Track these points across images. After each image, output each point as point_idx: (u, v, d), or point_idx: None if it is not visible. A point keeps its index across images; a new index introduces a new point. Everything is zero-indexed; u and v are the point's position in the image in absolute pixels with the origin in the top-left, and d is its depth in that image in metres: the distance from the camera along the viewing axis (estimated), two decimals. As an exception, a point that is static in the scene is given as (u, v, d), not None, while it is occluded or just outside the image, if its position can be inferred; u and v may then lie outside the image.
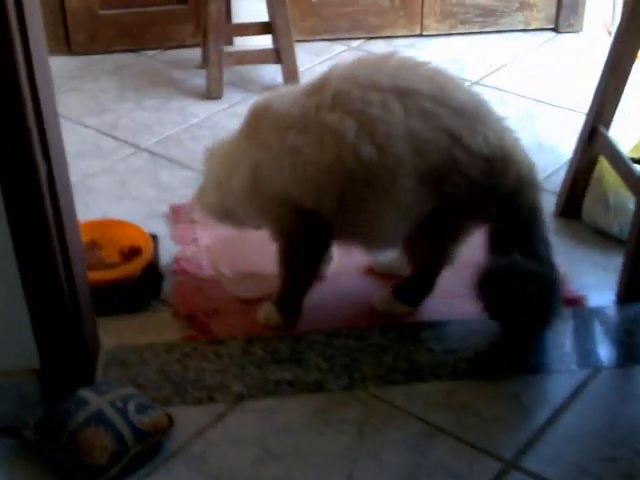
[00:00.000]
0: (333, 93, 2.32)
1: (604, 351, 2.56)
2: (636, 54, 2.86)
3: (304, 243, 2.49)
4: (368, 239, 2.51)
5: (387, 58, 2.44)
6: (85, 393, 2.18)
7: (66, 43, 4.27)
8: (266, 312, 2.59)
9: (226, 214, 2.61)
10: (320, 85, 2.37)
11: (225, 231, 2.84)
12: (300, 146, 2.33)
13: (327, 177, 2.33)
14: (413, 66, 2.42)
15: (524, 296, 2.35)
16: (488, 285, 2.39)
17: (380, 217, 2.38)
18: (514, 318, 2.42)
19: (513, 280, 2.37)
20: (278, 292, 2.58)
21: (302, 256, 2.53)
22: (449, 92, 2.36)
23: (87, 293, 2.36)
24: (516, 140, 2.46)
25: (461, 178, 2.34)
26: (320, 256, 2.54)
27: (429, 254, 2.55)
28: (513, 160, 2.39)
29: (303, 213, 2.40)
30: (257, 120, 2.44)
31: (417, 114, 2.30)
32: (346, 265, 2.79)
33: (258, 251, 2.77)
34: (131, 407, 2.15)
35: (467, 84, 3.87)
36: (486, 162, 2.35)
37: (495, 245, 2.46)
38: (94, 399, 2.16)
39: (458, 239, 2.51)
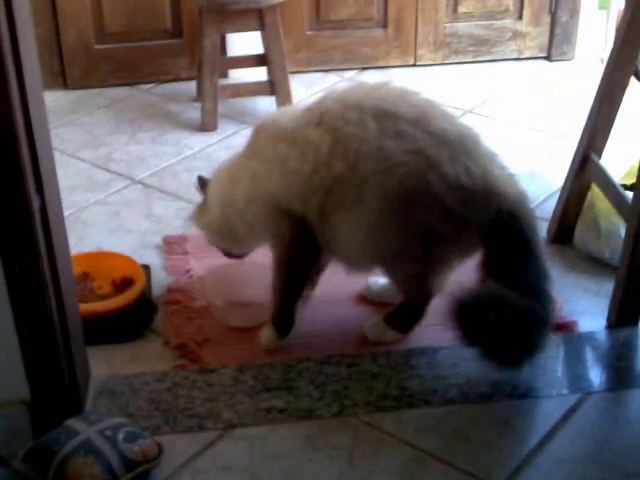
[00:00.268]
0: (322, 111, 2.44)
1: (595, 375, 2.57)
2: (628, 82, 2.87)
3: (296, 249, 2.54)
4: (341, 255, 2.54)
5: (382, 85, 2.52)
6: (74, 423, 2.18)
7: (62, 78, 4.30)
8: (266, 336, 2.61)
9: (226, 231, 2.67)
10: (316, 104, 2.49)
11: (217, 262, 2.87)
12: (288, 156, 2.45)
13: (307, 186, 2.43)
14: (402, 93, 2.47)
15: (489, 325, 2.32)
16: (456, 314, 2.36)
17: (349, 233, 2.42)
18: (483, 347, 2.39)
19: (479, 309, 2.33)
20: (273, 309, 2.60)
21: (295, 262, 2.57)
22: (433, 120, 2.39)
23: (78, 325, 2.37)
24: (508, 176, 2.46)
25: (434, 204, 2.36)
26: (311, 263, 2.60)
27: (414, 283, 2.56)
28: (496, 193, 2.39)
29: (294, 219, 2.47)
30: (258, 134, 2.57)
31: (392, 135, 2.36)
32: (338, 293, 2.81)
33: (249, 282, 2.80)
34: (120, 436, 2.15)
35: (461, 113, 3.94)
36: (465, 192, 2.36)
37: (485, 276, 2.46)
38: (83, 428, 2.16)
39: (441, 269, 2.51)
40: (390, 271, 2.58)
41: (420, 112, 2.39)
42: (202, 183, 2.76)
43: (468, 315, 2.35)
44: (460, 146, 2.38)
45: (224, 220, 2.64)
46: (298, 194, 2.44)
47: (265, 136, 2.53)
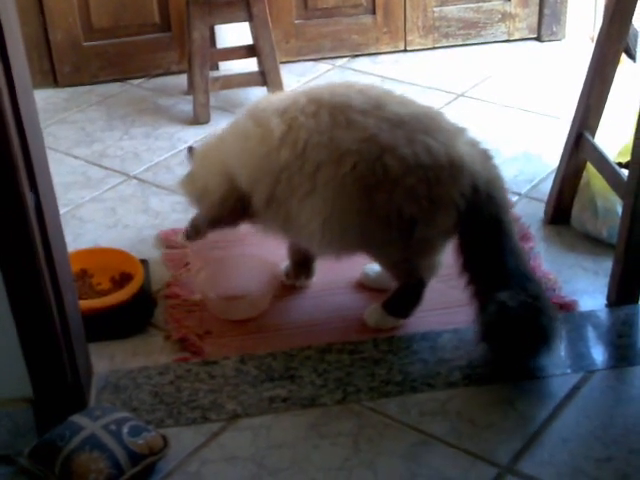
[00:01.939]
0: (291, 102, 2.52)
1: (597, 354, 2.57)
2: (618, 59, 2.87)
3: (218, 222, 2.74)
4: (308, 243, 2.58)
5: (347, 82, 2.70)
6: (79, 418, 2.18)
7: (52, 76, 4.27)
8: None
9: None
10: (294, 95, 2.59)
11: (213, 256, 2.90)
12: (251, 135, 2.55)
13: (259, 168, 2.53)
14: (362, 88, 2.55)
15: (530, 332, 2.39)
16: (491, 338, 2.43)
17: (309, 222, 2.47)
18: (529, 349, 2.45)
19: (513, 324, 2.38)
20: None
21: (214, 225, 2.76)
22: (386, 106, 2.45)
23: (78, 322, 2.37)
24: (479, 151, 2.49)
25: (395, 187, 2.39)
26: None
27: (402, 269, 2.58)
28: (465, 169, 2.40)
29: (238, 199, 2.60)
30: (244, 111, 2.70)
31: (344, 126, 2.42)
32: (337, 280, 2.82)
33: (243, 275, 2.81)
34: (125, 430, 2.16)
35: (453, 97, 3.95)
36: (428, 171, 2.38)
37: (464, 259, 2.48)
38: (88, 424, 2.16)
39: (425, 252, 2.54)
40: (375, 258, 2.65)
41: (374, 102, 2.46)
42: (191, 153, 2.85)
43: (504, 337, 2.41)
44: (417, 126, 2.42)
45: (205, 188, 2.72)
46: (249, 173, 2.54)
47: (245, 113, 2.65)
